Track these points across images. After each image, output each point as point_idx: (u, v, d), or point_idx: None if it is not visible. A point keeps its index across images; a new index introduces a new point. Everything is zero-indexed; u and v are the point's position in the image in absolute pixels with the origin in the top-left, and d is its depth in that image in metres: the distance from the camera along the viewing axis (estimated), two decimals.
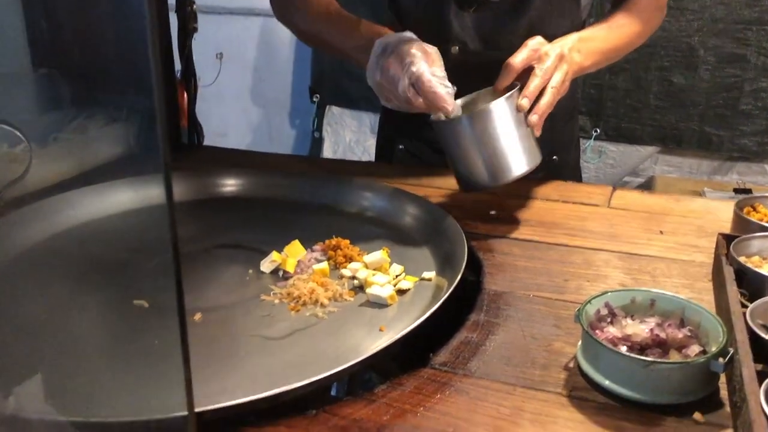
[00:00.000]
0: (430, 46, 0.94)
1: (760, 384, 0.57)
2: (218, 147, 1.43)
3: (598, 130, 2.53)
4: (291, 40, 2.87)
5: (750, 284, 0.76)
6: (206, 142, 1.48)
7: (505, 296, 0.82)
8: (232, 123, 3.03)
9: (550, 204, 1.11)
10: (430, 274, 0.85)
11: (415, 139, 1.33)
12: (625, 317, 0.71)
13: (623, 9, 1.13)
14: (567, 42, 0.99)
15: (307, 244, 0.91)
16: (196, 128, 1.47)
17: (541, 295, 0.83)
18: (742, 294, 0.75)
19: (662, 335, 0.67)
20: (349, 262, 0.88)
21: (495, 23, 1.14)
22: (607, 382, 0.64)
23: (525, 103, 0.92)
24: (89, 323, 0.79)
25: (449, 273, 0.83)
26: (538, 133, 0.95)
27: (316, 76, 2.82)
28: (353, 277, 0.85)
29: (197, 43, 1.38)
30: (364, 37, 1.01)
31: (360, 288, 0.83)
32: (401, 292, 0.82)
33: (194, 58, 1.39)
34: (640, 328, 0.68)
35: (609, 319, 0.71)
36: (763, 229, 0.86)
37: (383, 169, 1.27)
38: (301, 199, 1.08)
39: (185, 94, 1.45)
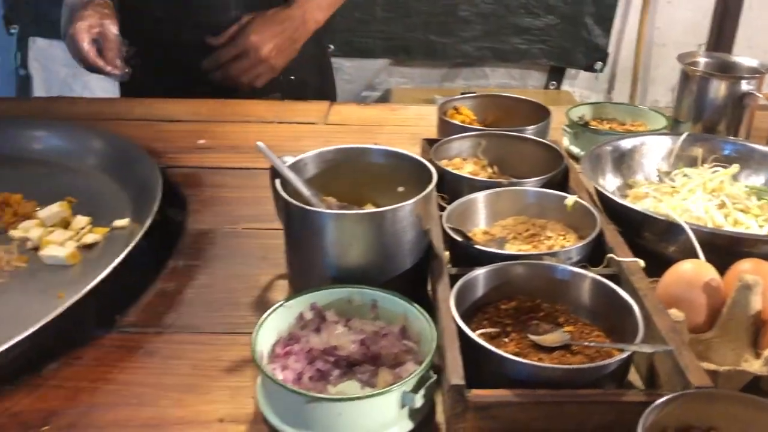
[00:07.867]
0: None
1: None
2: None
3: (332, 47, 2.49)
4: None
5: (449, 187, 0.76)
6: None
7: (210, 234, 0.75)
8: None
9: (264, 126, 1.04)
10: (124, 222, 0.75)
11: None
12: (340, 322, 0.55)
13: None
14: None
15: None
16: None
17: (250, 227, 0.76)
18: (442, 197, 0.75)
19: (375, 348, 0.52)
20: (22, 221, 0.74)
21: None
22: (273, 419, 0.48)
23: None
24: None
25: (146, 217, 0.73)
26: None
27: (10, 1, 2.39)
28: (26, 239, 0.71)
29: None
30: None
31: (35, 250, 0.70)
32: (88, 247, 0.71)
33: None
34: (349, 339, 0.53)
35: (316, 325, 0.55)
36: (463, 130, 0.87)
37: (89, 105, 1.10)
38: None
39: None
